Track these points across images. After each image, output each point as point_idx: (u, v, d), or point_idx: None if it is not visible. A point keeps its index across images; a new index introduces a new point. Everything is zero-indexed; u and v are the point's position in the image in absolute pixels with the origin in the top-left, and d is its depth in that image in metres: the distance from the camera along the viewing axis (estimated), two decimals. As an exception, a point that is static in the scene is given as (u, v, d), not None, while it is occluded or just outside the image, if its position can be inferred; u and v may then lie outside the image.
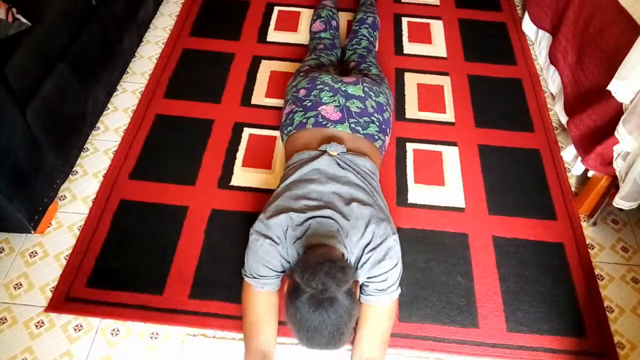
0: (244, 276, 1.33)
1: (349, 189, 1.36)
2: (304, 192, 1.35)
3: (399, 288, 1.32)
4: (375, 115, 1.63)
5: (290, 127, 1.61)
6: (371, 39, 2.10)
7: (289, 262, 1.31)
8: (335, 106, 1.60)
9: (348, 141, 1.54)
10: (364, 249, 1.27)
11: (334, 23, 2.19)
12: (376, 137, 1.59)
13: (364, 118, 1.60)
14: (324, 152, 1.46)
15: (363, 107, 1.62)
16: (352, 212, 1.31)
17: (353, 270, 1.16)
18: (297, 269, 1.12)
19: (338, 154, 1.46)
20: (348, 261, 1.28)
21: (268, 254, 1.27)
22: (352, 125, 1.57)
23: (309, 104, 1.62)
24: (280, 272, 1.31)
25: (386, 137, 1.65)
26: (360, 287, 1.32)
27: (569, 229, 1.71)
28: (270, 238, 1.28)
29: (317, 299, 1.08)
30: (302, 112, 1.61)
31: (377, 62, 1.99)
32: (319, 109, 1.60)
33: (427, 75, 2.21)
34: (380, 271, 1.26)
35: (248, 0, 2.55)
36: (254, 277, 1.30)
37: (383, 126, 1.63)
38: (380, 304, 1.29)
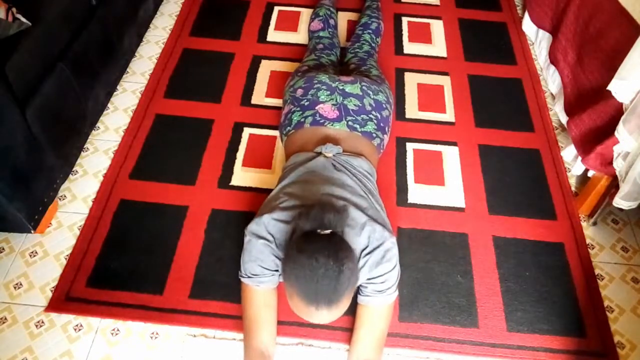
0: (240, 277, 1.33)
1: (343, 191, 1.36)
2: (298, 194, 1.35)
3: (397, 291, 1.32)
4: (374, 113, 1.63)
5: (289, 127, 1.61)
6: (373, 44, 2.10)
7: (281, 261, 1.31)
8: (333, 104, 1.60)
9: (345, 140, 1.54)
10: (361, 253, 1.27)
11: (332, 22, 2.19)
12: (374, 135, 1.59)
13: (361, 116, 1.60)
14: (319, 154, 1.47)
15: (361, 104, 1.62)
16: (346, 215, 1.30)
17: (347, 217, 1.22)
18: (301, 220, 1.16)
19: (334, 155, 1.46)
20: None
21: (261, 253, 1.28)
22: (350, 122, 1.57)
23: (306, 103, 1.62)
24: (274, 270, 1.30)
25: (385, 135, 1.65)
26: (358, 288, 1.32)
27: (569, 228, 1.71)
28: (264, 238, 1.28)
29: (315, 240, 1.11)
30: (300, 112, 1.61)
31: (378, 65, 1.99)
32: (316, 107, 1.60)
33: (427, 75, 2.21)
34: (379, 273, 1.26)
35: (248, 0, 2.55)
36: (249, 277, 1.30)
37: (381, 124, 1.63)
38: (378, 305, 1.29)
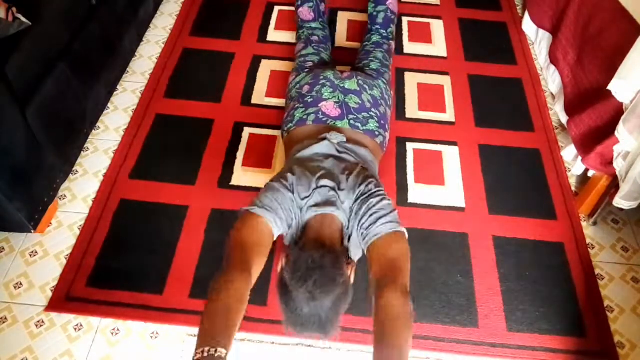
0: (250, 208, 1.20)
1: (348, 167, 1.37)
2: (306, 169, 1.34)
3: (402, 227, 1.20)
4: (373, 110, 1.63)
5: (290, 124, 1.61)
6: (385, 34, 2.05)
7: (295, 219, 1.28)
8: (335, 102, 1.60)
9: (349, 134, 1.54)
10: (354, 202, 1.27)
11: (322, 7, 2.13)
12: (376, 132, 1.59)
13: (362, 114, 1.60)
14: (324, 139, 1.47)
15: (360, 102, 1.62)
16: (346, 183, 1.31)
17: (344, 277, 1.13)
18: (287, 268, 1.12)
19: (338, 143, 1.46)
20: (347, 231, 1.28)
21: (285, 198, 1.24)
22: (352, 121, 1.57)
23: (310, 100, 1.63)
24: (287, 221, 1.25)
25: (386, 132, 1.65)
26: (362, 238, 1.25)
27: (569, 228, 1.71)
28: (291, 191, 1.26)
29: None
30: (303, 109, 1.61)
31: (385, 56, 1.94)
32: (319, 105, 1.60)
33: (427, 75, 2.21)
34: (367, 208, 1.22)
35: (248, 0, 2.55)
36: (267, 210, 1.19)
37: (382, 121, 1.63)
38: (379, 235, 1.18)
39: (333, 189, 1.29)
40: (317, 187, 1.29)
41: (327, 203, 1.26)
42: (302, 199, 1.28)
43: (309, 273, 1.08)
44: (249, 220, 1.19)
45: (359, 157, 1.46)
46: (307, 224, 1.27)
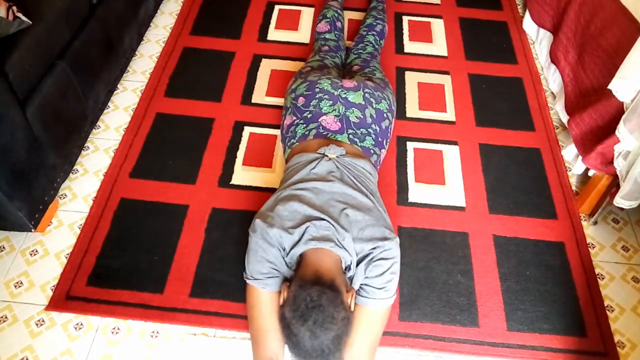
0: (245, 279, 1.32)
1: (345, 195, 1.36)
2: (301, 197, 1.35)
3: (395, 295, 1.30)
4: (373, 126, 1.61)
5: (293, 140, 1.61)
6: (377, 46, 2.10)
7: (286, 264, 1.31)
8: (335, 115, 1.59)
9: (348, 147, 1.54)
10: (363, 249, 1.27)
11: (339, 24, 2.19)
12: (372, 151, 1.59)
13: (361, 129, 1.59)
14: (323, 155, 1.46)
15: (362, 116, 1.61)
16: (347, 219, 1.31)
17: (345, 312, 1.15)
18: (287, 305, 1.14)
19: (337, 157, 1.46)
20: (346, 265, 1.28)
21: (266, 252, 1.28)
22: (350, 136, 1.57)
23: (309, 116, 1.61)
24: (279, 269, 1.30)
25: (382, 150, 1.64)
26: (358, 290, 1.32)
27: (570, 228, 1.71)
28: (269, 242, 1.28)
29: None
30: (304, 125, 1.61)
31: (381, 67, 1.99)
32: (319, 119, 1.59)
33: (427, 74, 2.21)
34: (378, 271, 1.26)
35: (249, -1, 2.55)
36: (255, 279, 1.29)
37: (379, 138, 1.62)
38: (375, 307, 1.28)
39: (330, 222, 1.29)
40: (310, 220, 1.29)
41: (325, 238, 1.26)
42: (290, 249, 1.28)
43: (308, 312, 1.09)
44: (254, 300, 1.29)
45: (357, 169, 1.46)
46: (304, 257, 1.26)
